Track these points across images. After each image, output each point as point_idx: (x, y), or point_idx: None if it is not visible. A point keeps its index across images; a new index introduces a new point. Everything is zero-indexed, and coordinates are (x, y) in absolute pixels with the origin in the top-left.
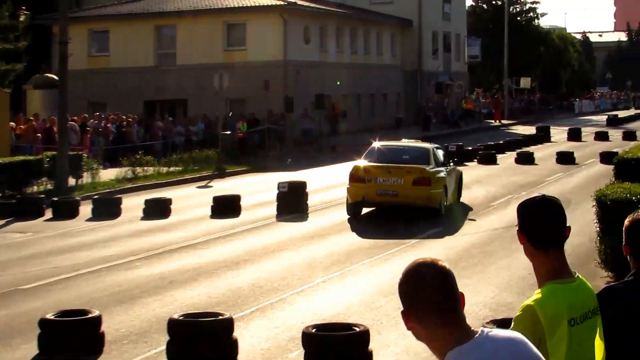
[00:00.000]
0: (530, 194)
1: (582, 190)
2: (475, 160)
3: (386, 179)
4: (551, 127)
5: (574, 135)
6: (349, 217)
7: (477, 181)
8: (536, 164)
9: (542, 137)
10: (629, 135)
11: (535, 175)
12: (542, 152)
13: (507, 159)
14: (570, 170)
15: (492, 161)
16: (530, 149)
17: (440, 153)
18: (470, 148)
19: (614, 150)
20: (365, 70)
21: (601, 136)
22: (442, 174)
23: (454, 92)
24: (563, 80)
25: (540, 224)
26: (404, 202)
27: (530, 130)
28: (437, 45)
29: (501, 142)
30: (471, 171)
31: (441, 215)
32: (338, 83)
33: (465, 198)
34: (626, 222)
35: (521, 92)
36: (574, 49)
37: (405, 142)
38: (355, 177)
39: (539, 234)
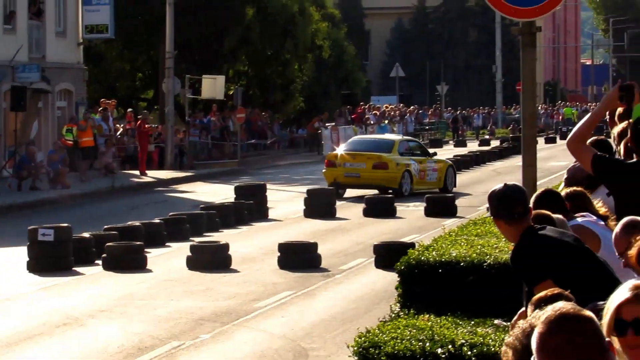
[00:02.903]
0: None
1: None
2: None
3: (352, 164)
4: (269, 185)
5: (317, 205)
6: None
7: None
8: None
9: (248, 209)
10: (438, 205)
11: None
12: (248, 243)
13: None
14: (305, 286)
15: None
16: (223, 235)
17: (414, 144)
18: (88, 235)
19: (407, 240)
20: None
21: (381, 207)
22: (405, 161)
23: (50, 108)
24: (297, 85)
25: None
26: (366, 182)
27: (224, 192)
28: (14, 4)
29: (136, 224)
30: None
31: (404, 195)
32: None
33: None
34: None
35: (207, 107)
36: (321, 13)
37: (377, 136)
38: (329, 162)
39: None
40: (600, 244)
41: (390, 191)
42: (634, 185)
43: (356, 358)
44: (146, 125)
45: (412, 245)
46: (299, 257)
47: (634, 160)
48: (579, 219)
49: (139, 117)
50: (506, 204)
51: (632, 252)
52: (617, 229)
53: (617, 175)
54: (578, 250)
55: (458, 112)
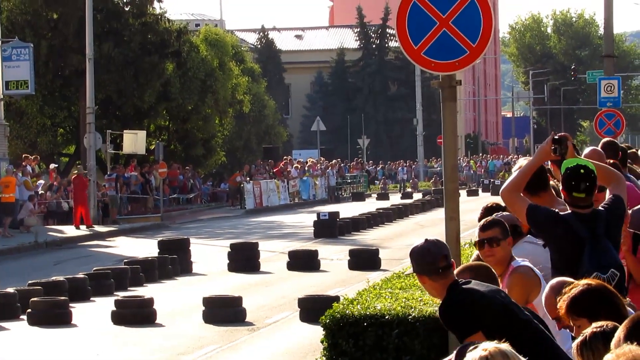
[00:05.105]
0: None
1: None
2: None
3: None
4: (192, 239)
5: (241, 258)
6: None
7: None
8: None
9: (172, 263)
10: (361, 259)
11: None
12: (172, 297)
13: None
14: (230, 340)
15: None
16: (148, 290)
17: None
18: (12, 291)
19: (331, 293)
20: None
21: (305, 261)
22: None
23: None
24: (218, 139)
25: None
26: None
27: (147, 246)
28: None
29: (60, 279)
30: None
31: None
32: None
33: None
34: None
35: (128, 162)
36: (241, 68)
37: None
38: None
39: None
40: (540, 288)
41: None
42: (568, 236)
43: None
44: (87, 179)
45: (336, 298)
46: (223, 311)
47: (568, 211)
48: (521, 261)
49: (75, 172)
50: (429, 260)
51: (560, 304)
52: (546, 291)
53: (552, 226)
54: (504, 304)
55: (376, 166)
